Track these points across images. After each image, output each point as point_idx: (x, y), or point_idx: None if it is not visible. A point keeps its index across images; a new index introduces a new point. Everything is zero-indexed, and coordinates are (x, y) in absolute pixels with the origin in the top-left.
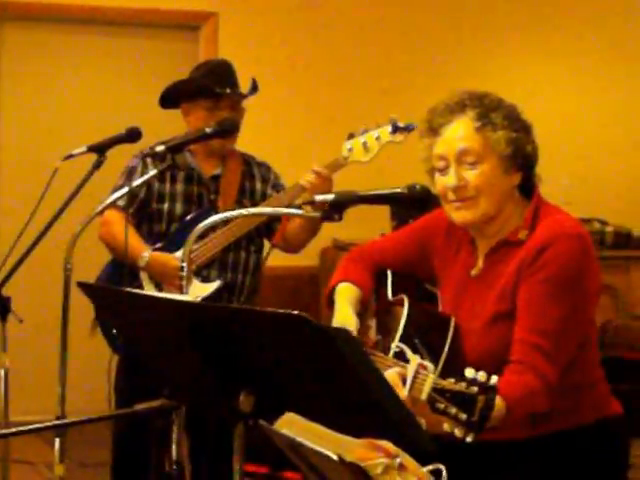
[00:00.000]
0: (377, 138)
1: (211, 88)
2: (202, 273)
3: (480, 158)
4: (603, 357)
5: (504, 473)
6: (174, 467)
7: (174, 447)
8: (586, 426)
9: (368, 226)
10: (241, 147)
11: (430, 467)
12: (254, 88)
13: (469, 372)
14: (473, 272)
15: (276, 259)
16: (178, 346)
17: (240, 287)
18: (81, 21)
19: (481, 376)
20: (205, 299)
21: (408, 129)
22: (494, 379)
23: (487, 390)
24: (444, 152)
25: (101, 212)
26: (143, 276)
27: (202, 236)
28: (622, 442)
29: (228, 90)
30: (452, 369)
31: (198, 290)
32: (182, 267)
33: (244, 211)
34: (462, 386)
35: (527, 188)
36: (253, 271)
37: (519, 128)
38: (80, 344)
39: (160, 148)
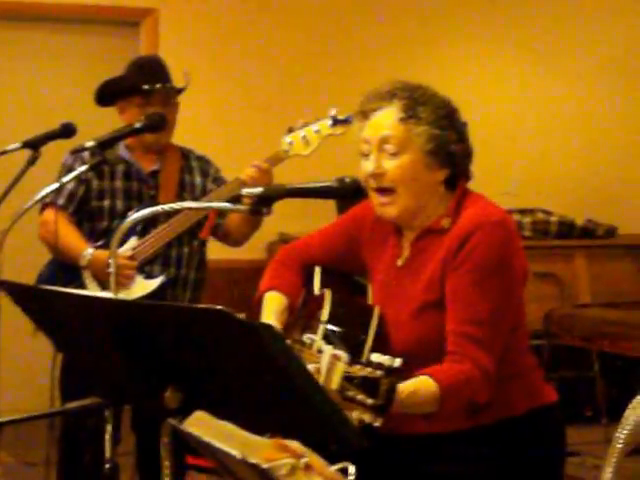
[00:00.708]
0: (317, 131)
1: (140, 86)
2: (145, 269)
3: (401, 149)
4: (547, 345)
5: (443, 466)
6: (107, 465)
7: (107, 445)
8: (520, 416)
9: (314, 220)
10: (180, 141)
11: (339, 466)
12: (187, 82)
13: (375, 356)
14: (399, 262)
15: (223, 253)
16: (101, 344)
17: (184, 282)
18: (19, 17)
19: (386, 360)
20: (149, 295)
21: (348, 121)
22: (397, 362)
23: (390, 372)
24: (368, 136)
25: (41, 210)
26: (86, 274)
27: (144, 232)
28: (558, 430)
29: (158, 85)
30: None
31: (141, 287)
32: (109, 263)
33: (169, 206)
34: (368, 371)
35: (456, 184)
36: (197, 265)
37: (446, 126)
38: (20, 343)
39: (90, 144)
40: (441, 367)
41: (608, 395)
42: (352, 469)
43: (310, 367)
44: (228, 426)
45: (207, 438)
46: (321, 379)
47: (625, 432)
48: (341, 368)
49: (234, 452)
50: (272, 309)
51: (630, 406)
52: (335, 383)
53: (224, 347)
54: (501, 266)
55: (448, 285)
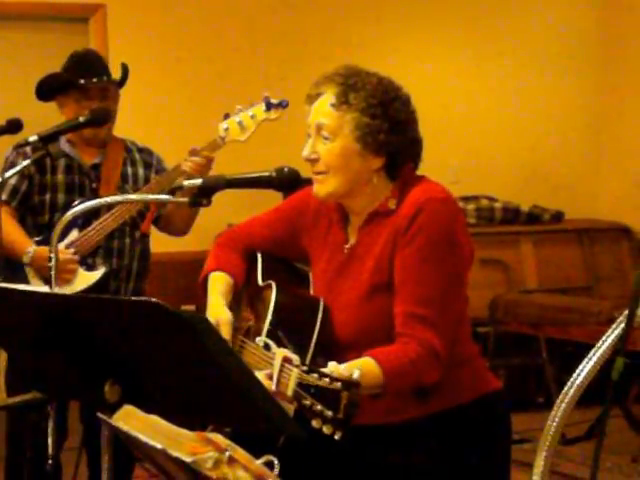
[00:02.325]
0: (252, 117)
1: (76, 81)
2: (87, 261)
3: (333, 135)
4: (493, 332)
5: (390, 456)
6: (49, 461)
7: (50, 441)
8: (467, 405)
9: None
10: (126, 133)
11: (263, 459)
12: (124, 74)
13: (332, 366)
14: (347, 248)
15: (172, 245)
16: (39, 339)
17: (127, 273)
18: None
19: (344, 370)
20: (91, 288)
21: (282, 105)
22: (356, 373)
23: (350, 385)
24: (310, 121)
25: None
26: (29, 271)
27: (86, 225)
28: (505, 417)
29: (94, 80)
30: (322, 354)
31: (84, 279)
32: (50, 258)
33: (111, 199)
34: (325, 382)
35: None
36: (140, 256)
37: (378, 114)
38: None
39: (33, 138)
40: (384, 348)
41: (558, 381)
42: (276, 462)
43: (262, 373)
44: (155, 419)
45: (135, 432)
46: (273, 382)
47: (557, 419)
48: (295, 374)
49: (157, 445)
50: (218, 289)
51: (563, 391)
52: (290, 389)
53: (160, 340)
54: (450, 242)
55: (397, 264)
